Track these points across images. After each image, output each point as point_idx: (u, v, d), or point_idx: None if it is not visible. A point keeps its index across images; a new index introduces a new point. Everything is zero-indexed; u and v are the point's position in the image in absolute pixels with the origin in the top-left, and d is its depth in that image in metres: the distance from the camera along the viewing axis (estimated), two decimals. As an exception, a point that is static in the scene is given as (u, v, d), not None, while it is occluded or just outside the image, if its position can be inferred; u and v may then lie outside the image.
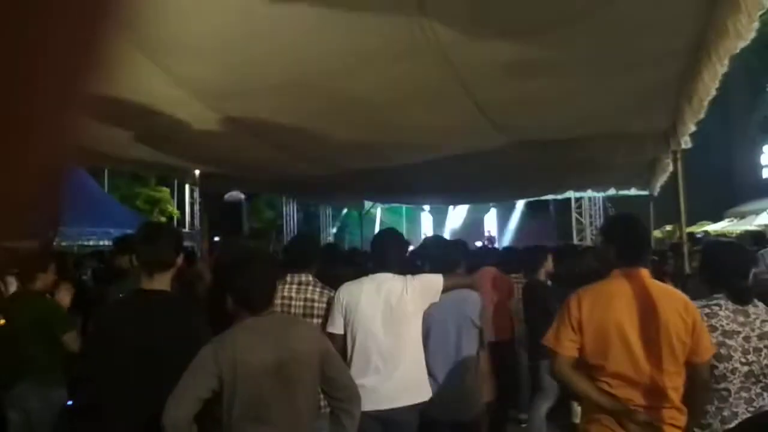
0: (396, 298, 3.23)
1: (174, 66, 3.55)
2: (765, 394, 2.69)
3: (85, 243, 11.29)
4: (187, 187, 8.67)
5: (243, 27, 3.08)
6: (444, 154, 6.88)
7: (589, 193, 15.57)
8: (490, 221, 21.01)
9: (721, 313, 2.68)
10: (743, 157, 24.98)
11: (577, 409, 3.61)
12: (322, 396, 2.55)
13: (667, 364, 2.38)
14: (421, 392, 3.24)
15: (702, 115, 4.74)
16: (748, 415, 2.63)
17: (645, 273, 2.53)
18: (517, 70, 3.85)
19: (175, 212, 18.52)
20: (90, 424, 2.99)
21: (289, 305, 3.36)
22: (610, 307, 2.45)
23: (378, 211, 17.84)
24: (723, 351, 2.63)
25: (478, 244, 14.84)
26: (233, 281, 2.39)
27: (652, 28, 3.31)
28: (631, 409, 2.35)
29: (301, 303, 3.38)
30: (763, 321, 2.69)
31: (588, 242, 16.04)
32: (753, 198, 19.60)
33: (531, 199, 16.89)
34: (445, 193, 11.85)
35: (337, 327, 3.23)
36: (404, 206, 18.98)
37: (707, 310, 2.69)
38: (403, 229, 16.21)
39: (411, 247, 5.28)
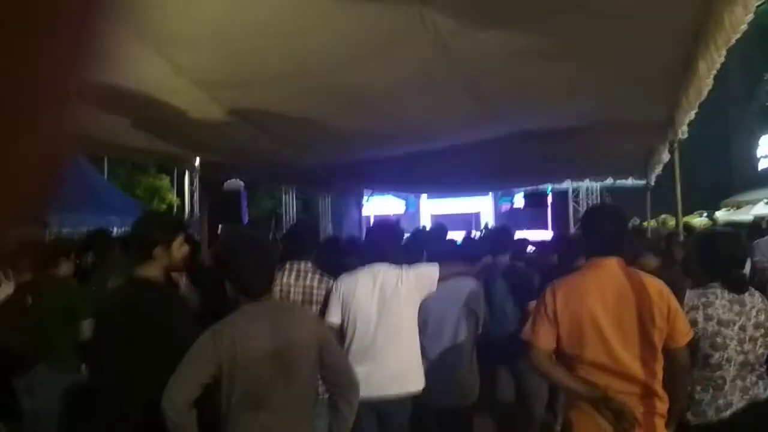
0: (391, 288, 3.26)
1: (175, 55, 3.55)
2: (760, 383, 2.71)
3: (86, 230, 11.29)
4: (186, 175, 8.64)
5: (243, 16, 3.08)
6: (443, 143, 6.88)
7: (587, 183, 15.57)
8: (486, 210, 20.91)
9: (717, 302, 2.69)
10: (740, 147, 24.98)
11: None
12: (320, 383, 2.58)
13: (642, 351, 2.40)
14: (415, 382, 3.27)
15: (698, 108, 4.76)
16: (743, 403, 2.65)
17: (618, 262, 2.54)
18: (517, 60, 3.85)
19: (175, 200, 18.52)
20: (91, 407, 3.04)
21: (289, 292, 3.39)
22: (583, 297, 2.47)
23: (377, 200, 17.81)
24: (719, 340, 2.64)
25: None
26: (232, 267, 2.40)
27: (651, 18, 3.31)
28: (606, 396, 2.36)
29: (301, 290, 3.40)
30: (759, 310, 2.70)
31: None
32: (750, 188, 19.65)
33: (528, 188, 16.85)
34: (443, 182, 11.84)
35: (334, 316, 3.27)
36: (403, 196, 18.95)
37: (703, 299, 2.70)
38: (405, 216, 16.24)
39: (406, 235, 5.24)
